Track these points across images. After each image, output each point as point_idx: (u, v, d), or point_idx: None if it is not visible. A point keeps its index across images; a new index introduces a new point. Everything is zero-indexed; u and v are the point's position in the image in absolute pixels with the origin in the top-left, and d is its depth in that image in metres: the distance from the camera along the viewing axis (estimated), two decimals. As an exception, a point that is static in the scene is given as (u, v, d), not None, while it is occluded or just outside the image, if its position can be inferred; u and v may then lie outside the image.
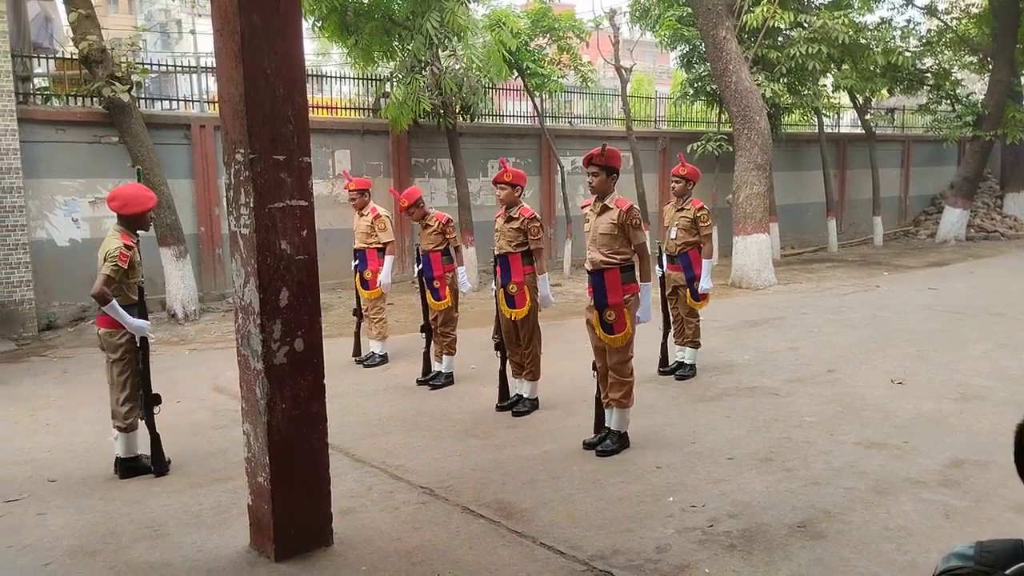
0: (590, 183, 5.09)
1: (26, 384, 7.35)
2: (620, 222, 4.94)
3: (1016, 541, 1.40)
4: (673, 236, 6.84)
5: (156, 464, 4.87)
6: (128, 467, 4.88)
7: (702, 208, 6.78)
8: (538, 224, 5.98)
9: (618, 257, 4.96)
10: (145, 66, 11.34)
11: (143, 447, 4.92)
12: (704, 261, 6.71)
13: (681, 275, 6.81)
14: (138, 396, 4.84)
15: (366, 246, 7.55)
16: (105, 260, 4.65)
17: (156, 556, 3.85)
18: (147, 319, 4.91)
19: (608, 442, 5.12)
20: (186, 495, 4.59)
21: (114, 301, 4.63)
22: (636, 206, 5.08)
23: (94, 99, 10.02)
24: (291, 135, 3.67)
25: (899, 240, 19.19)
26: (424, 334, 6.98)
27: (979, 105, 17.44)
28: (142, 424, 4.87)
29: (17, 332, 9.19)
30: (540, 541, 3.91)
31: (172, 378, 7.20)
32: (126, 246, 4.71)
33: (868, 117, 17.82)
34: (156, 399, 4.87)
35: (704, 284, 6.69)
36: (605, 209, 5.01)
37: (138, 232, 4.90)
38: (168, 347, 8.84)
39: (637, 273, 5.08)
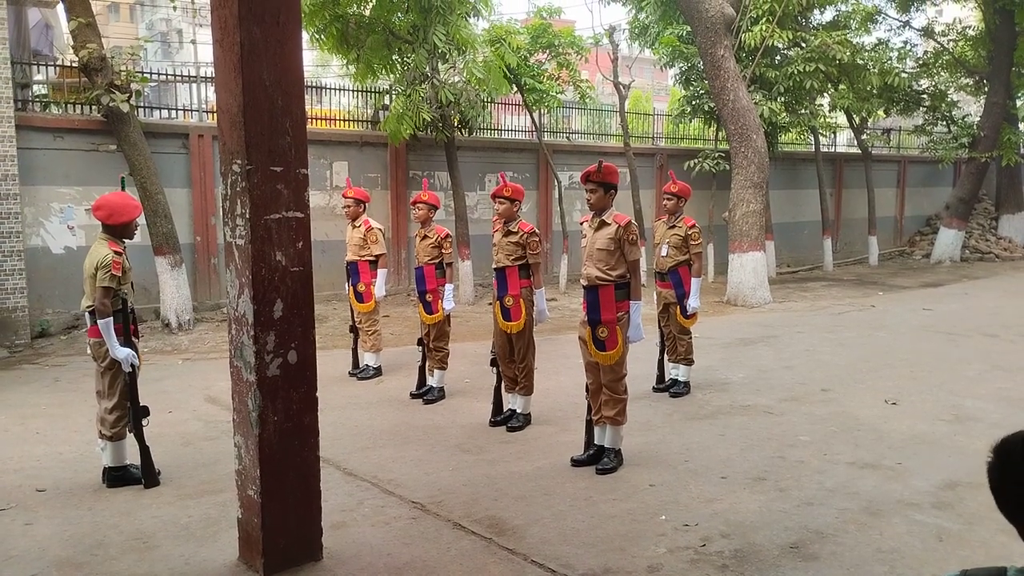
0: (588, 200, 5.09)
1: (17, 392, 7.31)
2: (618, 237, 4.94)
3: (999, 568, 1.40)
4: (664, 253, 6.82)
5: (146, 476, 4.83)
6: (116, 477, 4.84)
7: (694, 226, 6.76)
8: (537, 239, 5.99)
9: (613, 274, 4.96)
10: (145, 75, 11.37)
11: (132, 457, 4.89)
12: (694, 280, 6.70)
13: (671, 292, 6.81)
14: (126, 406, 4.81)
15: (358, 258, 7.54)
16: (98, 270, 4.63)
17: (144, 568, 3.81)
18: (136, 330, 4.90)
19: (606, 460, 5.10)
20: (175, 507, 4.56)
21: (109, 320, 4.61)
22: (634, 222, 5.08)
23: (93, 107, 10.03)
24: (289, 147, 3.67)
25: (894, 260, 19.26)
26: (420, 347, 6.97)
27: (975, 127, 17.56)
28: (130, 434, 4.83)
29: (10, 339, 9.15)
30: (531, 558, 3.88)
31: (164, 388, 7.18)
32: (116, 253, 4.70)
33: (864, 137, 17.91)
34: (144, 411, 4.84)
35: (692, 303, 6.67)
36: (603, 225, 5.02)
37: (124, 240, 4.90)
38: (161, 357, 8.81)
39: (636, 291, 5.05)
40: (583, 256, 5.18)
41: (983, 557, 3.85)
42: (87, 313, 4.80)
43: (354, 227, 7.61)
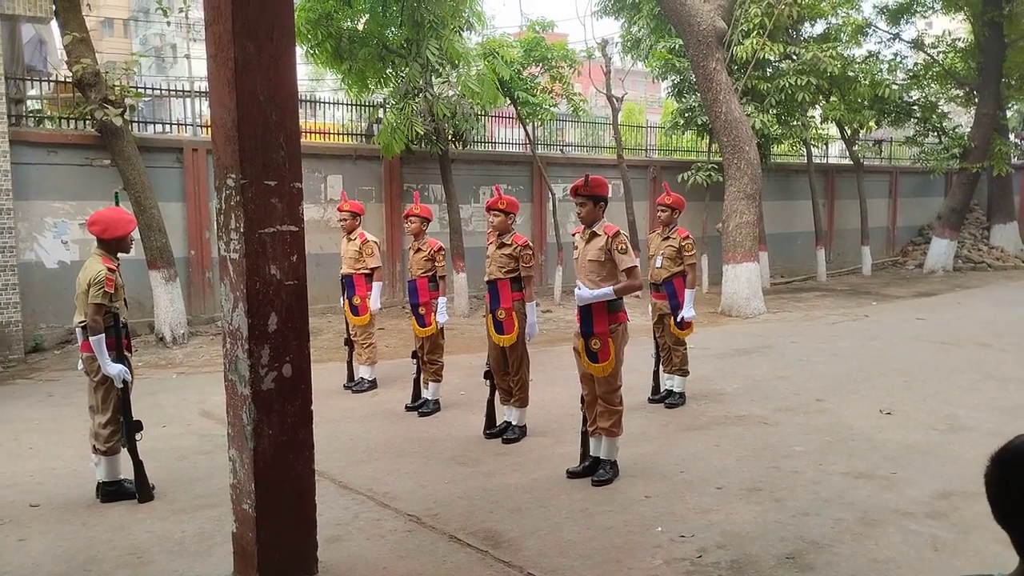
0: (578, 213, 5.12)
1: (10, 407, 7.27)
2: (607, 247, 4.95)
3: None
4: (659, 265, 6.85)
5: (139, 491, 4.82)
6: (110, 492, 4.82)
7: (687, 237, 6.81)
8: (530, 252, 6.00)
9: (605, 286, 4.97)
10: (139, 90, 11.39)
11: (126, 471, 4.87)
12: (687, 291, 6.72)
13: (666, 303, 6.83)
14: (119, 421, 4.80)
15: (354, 271, 7.55)
16: (90, 287, 4.64)
17: (138, 584, 3.79)
18: (129, 345, 4.90)
19: (602, 471, 5.10)
20: (169, 521, 4.54)
21: (101, 336, 4.62)
22: (623, 232, 5.10)
23: (87, 122, 10.04)
24: (283, 161, 3.68)
25: (887, 270, 19.33)
26: (415, 360, 6.96)
27: (965, 138, 17.68)
28: (123, 448, 4.82)
29: (3, 354, 9.11)
30: (528, 571, 3.88)
31: (159, 402, 7.16)
32: (110, 270, 4.71)
33: (856, 148, 18.01)
34: (138, 425, 4.83)
35: (687, 312, 6.70)
36: (593, 236, 5.04)
37: (118, 255, 4.90)
38: (155, 371, 8.78)
39: (620, 287, 4.94)
40: (576, 269, 5.20)
41: (978, 566, 3.85)
42: (79, 328, 4.80)
43: (349, 240, 7.62)
